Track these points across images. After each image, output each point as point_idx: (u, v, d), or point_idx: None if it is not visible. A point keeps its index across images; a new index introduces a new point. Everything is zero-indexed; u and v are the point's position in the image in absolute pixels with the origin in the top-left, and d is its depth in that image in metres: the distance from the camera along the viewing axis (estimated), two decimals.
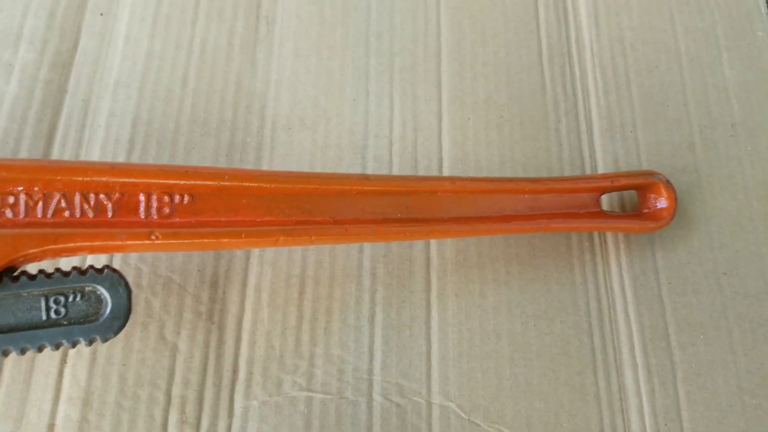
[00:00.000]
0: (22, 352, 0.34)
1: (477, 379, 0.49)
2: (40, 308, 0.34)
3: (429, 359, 0.49)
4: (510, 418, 0.48)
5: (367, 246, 0.51)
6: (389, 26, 0.59)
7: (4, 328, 0.33)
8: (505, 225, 0.48)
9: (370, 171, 0.54)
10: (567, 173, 0.56)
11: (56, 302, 0.34)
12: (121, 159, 0.51)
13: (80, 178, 0.36)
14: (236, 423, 0.45)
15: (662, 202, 0.52)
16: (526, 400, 0.49)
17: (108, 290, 0.36)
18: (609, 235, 0.53)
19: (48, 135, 0.51)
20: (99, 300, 0.36)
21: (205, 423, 0.45)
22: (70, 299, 0.35)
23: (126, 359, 0.46)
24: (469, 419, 0.48)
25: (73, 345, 0.34)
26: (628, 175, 0.52)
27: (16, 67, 0.52)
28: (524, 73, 0.60)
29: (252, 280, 0.49)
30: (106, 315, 0.36)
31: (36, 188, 0.35)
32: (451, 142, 0.56)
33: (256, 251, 0.50)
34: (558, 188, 0.49)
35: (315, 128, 0.54)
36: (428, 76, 0.58)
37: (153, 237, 0.37)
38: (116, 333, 0.35)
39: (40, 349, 0.34)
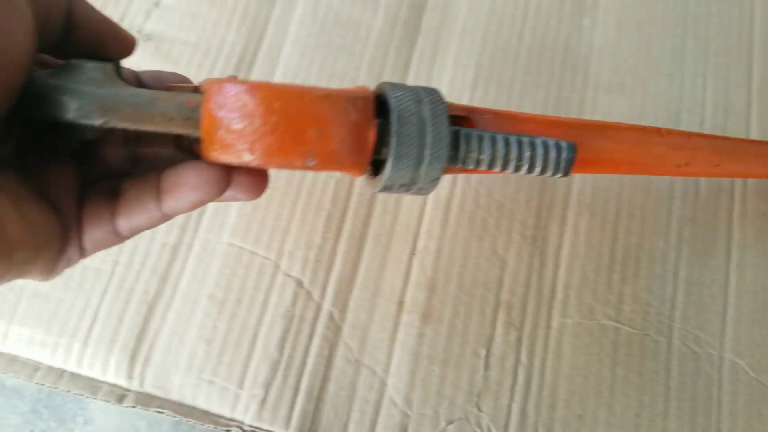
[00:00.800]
0: None
1: (767, 346, 0.52)
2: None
3: (724, 319, 0.53)
4: None
5: (676, 209, 0.55)
6: (706, 12, 0.63)
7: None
8: None
9: None
10: None
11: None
12: (465, 98, 0.58)
13: None
14: (553, 334, 0.51)
15: None
16: None
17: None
18: None
19: (404, 67, 0.59)
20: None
21: (527, 328, 0.51)
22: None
23: (465, 262, 0.52)
24: (757, 378, 0.51)
25: None
26: None
27: (381, 4, 0.60)
28: None
29: (570, 219, 0.55)
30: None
31: None
32: (759, 129, 0.59)
33: (575, 194, 0.55)
34: None
35: (633, 95, 0.59)
36: (740, 63, 0.61)
37: None
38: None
39: None
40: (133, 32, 0.38)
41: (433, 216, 0.53)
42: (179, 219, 0.52)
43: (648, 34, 0.62)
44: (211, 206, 0.52)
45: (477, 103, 0.56)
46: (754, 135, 0.59)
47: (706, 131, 0.58)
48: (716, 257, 0.54)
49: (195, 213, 0.52)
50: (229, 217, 0.52)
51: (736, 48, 0.62)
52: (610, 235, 0.54)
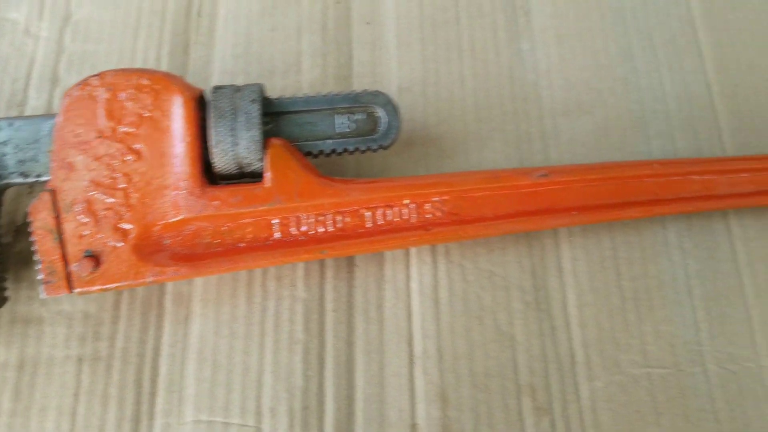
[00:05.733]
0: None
1: None
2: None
3: (750, 325, 0.49)
4: None
5: (670, 220, 0.51)
6: (641, 3, 0.59)
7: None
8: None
9: (654, 147, 0.54)
10: None
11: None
12: (421, 162, 0.52)
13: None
14: (586, 404, 0.46)
15: None
16: None
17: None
18: None
19: None
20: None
21: (557, 407, 0.46)
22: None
23: (471, 353, 0.47)
24: None
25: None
26: None
27: (304, 85, 0.54)
28: None
29: (566, 266, 0.50)
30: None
31: None
32: (726, 111, 0.56)
33: (564, 236, 0.50)
34: None
35: (593, 111, 0.55)
36: (689, 47, 0.58)
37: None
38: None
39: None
40: None
41: (423, 311, 0.48)
42: (128, 409, 0.44)
43: (590, 40, 0.57)
44: (162, 382, 0.45)
45: (433, 165, 0.53)
46: (723, 117, 0.56)
47: (675, 128, 0.55)
48: (723, 261, 0.51)
49: (144, 396, 0.45)
50: (186, 388, 0.46)
51: (680, 31, 0.58)
52: (613, 272, 0.50)
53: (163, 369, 0.45)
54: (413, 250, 0.49)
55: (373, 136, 0.46)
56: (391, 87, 0.54)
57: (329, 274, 0.48)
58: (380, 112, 0.45)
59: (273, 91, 0.52)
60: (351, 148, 0.45)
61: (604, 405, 0.46)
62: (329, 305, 0.47)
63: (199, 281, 0.47)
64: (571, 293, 0.49)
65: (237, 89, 0.43)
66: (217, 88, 0.43)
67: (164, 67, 0.54)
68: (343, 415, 0.44)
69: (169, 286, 0.47)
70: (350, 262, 0.48)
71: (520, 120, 0.54)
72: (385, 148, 0.45)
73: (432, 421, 0.44)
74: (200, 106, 0.42)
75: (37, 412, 0.44)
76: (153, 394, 0.45)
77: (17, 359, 0.46)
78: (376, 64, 0.55)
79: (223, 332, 0.46)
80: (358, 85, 0.54)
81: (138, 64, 0.53)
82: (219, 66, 0.54)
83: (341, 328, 0.47)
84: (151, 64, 0.53)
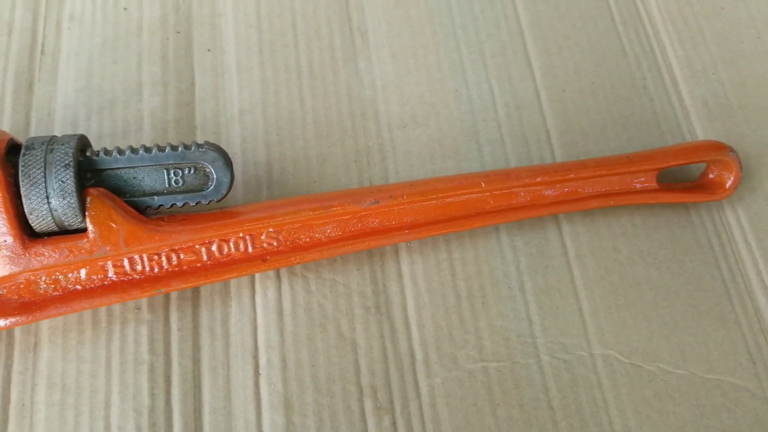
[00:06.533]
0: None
1: (629, 325, 0.53)
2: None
3: (582, 315, 0.53)
4: (666, 355, 0.52)
5: (502, 223, 0.54)
6: (471, 17, 0.63)
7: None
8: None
9: (486, 153, 0.58)
10: (662, 125, 0.60)
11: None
12: (264, 180, 0.54)
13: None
14: (426, 401, 0.49)
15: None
16: (676, 337, 0.52)
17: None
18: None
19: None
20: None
21: (398, 406, 0.48)
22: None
23: (314, 360, 0.49)
24: (630, 362, 0.51)
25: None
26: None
27: (145, 113, 0.56)
28: (603, 39, 0.63)
29: (405, 271, 0.53)
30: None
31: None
32: (553, 115, 0.60)
33: (402, 243, 0.53)
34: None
35: (427, 123, 0.58)
36: (517, 56, 0.62)
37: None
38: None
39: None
40: None
41: (267, 323, 0.49)
42: None
43: (423, 56, 0.60)
44: (13, 409, 0.46)
45: (276, 184, 0.55)
46: (550, 121, 0.59)
47: (505, 134, 0.59)
48: (554, 256, 0.54)
49: None
50: (37, 414, 0.46)
51: (510, 43, 0.62)
52: (448, 273, 0.53)
53: (14, 396, 0.46)
54: None
55: (204, 192, 0.45)
56: (233, 110, 0.56)
57: (174, 294, 0.49)
58: (210, 168, 0.45)
59: (114, 122, 0.54)
60: (180, 204, 0.45)
61: (442, 401, 0.48)
62: (174, 324, 0.48)
63: None
64: (409, 296, 0.51)
65: (51, 148, 0.41)
66: (28, 148, 0.41)
67: (8, 104, 0.54)
68: (190, 430, 0.46)
69: None
70: None
71: (359, 135, 0.56)
72: (217, 201, 0.46)
73: (276, 428, 0.46)
74: (10, 159, 0.41)
75: None
76: (5, 421, 0.45)
77: None
78: (218, 89, 0.57)
79: (70, 357, 0.47)
80: (200, 110, 0.56)
81: None
82: (62, 101, 0.55)
83: (186, 346, 0.48)
84: None
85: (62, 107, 0.54)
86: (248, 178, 0.54)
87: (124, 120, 0.54)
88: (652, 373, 0.50)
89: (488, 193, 0.51)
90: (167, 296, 0.49)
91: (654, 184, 0.54)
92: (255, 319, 0.50)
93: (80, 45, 0.58)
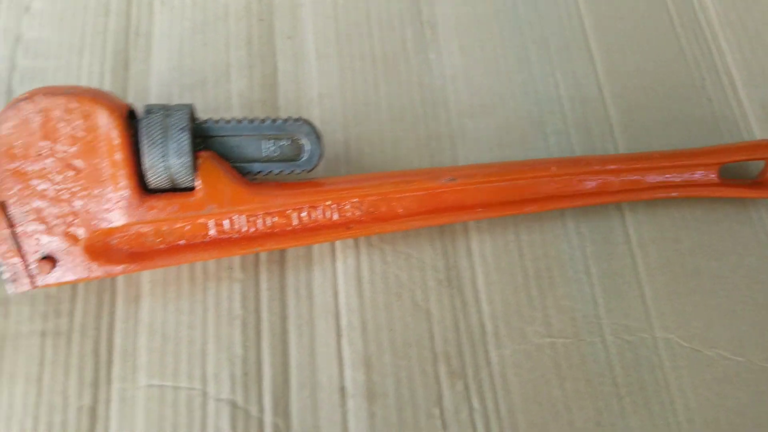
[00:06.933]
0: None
1: (689, 312, 0.55)
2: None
3: (644, 300, 0.55)
4: (725, 342, 0.54)
5: (568, 209, 0.57)
6: (536, 15, 0.66)
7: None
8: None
9: (552, 143, 0.60)
10: (721, 125, 0.63)
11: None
12: (342, 158, 0.57)
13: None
14: (496, 370, 0.51)
15: None
16: (734, 326, 0.54)
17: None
18: None
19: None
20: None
21: (470, 372, 0.51)
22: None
23: (391, 325, 0.52)
24: (690, 347, 0.53)
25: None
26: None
27: (233, 93, 0.59)
28: (662, 40, 0.66)
29: (475, 249, 0.55)
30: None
31: None
32: (616, 110, 0.62)
33: (472, 224, 0.56)
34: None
35: (495, 113, 0.61)
36: (581, 53, 0.65)
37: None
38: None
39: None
40: None
41: (348, 288, 0.52)
42: (88, 376, 0.48)
43: (491, 50, 0.64)
44: (117, 352, 0.49)
45: (353, 162, 0.57)
46: (613, 115, 0.62)
47: (570, 126, 0.61)
48: (617, 243, 0.56)
49: (102, 364, 0.48)
50: (139, 358, 0.49)
51: (573, 40, 0.65)
52: (516, 254, 0.55)
53: (118, 341, 0.49)
54: None
55: (297, 162, 0.48)
56: (312, 93, 0.59)
57: (263, 257, 0.52)
58: (304, 140, 0.48)
59: (205, 100, 0.57)
60: (276, 171, 0.49)
61: (512, 371, 0.51)
62: (263, 284, 0.52)
63: None
64: (479, 272, 0.54)
65: (167, 113, 0.44)
66: (148, 112, 0.44)
67: (107, 81, 0.58)
68: (279, 381, 0.49)
69: None
70: None
71: (430, 121, 0.59)
72: (308, 171, 0.49)
73: (358, 384, 0.49)
74: (130, 122, 0.45)
75: (7, 379, 0.47)
76: (109, 363, 0.48)
77: None
78: (299, 74, 0.60)
79: (170, 308, 0.50)
80: (283, 92, 0.59)
81: (83, 80, 0.57)
82: (156, 79, 0.59)
83: (275, 305, 0.51)
84: (95, 79, 0.57)
85: (157, 85, 0.58)
86: (328, 155, 0.57)
87: (214, 99, 0.58)
88: (711, 358, 0.52)
89: (558, 178, 0.53)
90: (257, 259, 0.52)
91: (716, 178, 0.56)
92: (336, 284, 0.52)
93: (171, 28, 0.62)
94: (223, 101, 0.57)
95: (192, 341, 0.50)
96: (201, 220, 0.47)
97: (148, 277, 0.51)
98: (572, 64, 0.63)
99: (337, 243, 0.53)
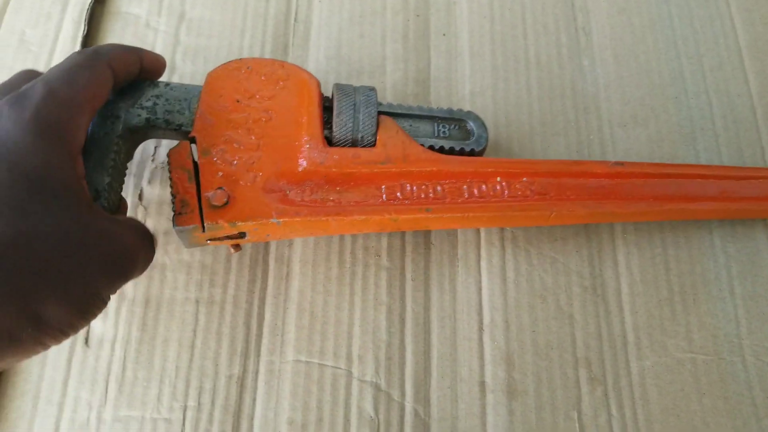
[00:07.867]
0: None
1: None
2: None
3: None
4: None
5: (715, 228, 0.57)
6: (691, 30, 0.65)
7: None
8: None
9: (702, 161, 0.60)
10: None
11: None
12: (493, 155, 0.58)
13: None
14: (636, 380, 0.51)
15: None
16: None
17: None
18: None
19: None
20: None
21: (610, 380, 0.51)
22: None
23: (534, 326, 0.52)
24: None
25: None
26: None
27: (387, 85, 0.61)
28: None
29: (621, 259, 0.55)
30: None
31: None
32: None
33: (619, 233, 0.56)
34: None
35: (647, 125, 0.60)
36: (735, 73, 0.64)
37: None
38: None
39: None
40: None
41: (492, 287, 0.53)
42: (239, 347, 0.51)
43: (645, 62, 0.63)
44: (267, 326, 0.52)
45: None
46: (765, 138, 0.61)
47: (721, 145, 0.60)
48: (764, 266, 0.56)
49: (252, 336, 0.51)
50: (287, 333, 0.52)
51: (728, 59, 0.64)
52: (663, 267, 0.55)
53: (268, 315, 0.51)
54: (483, 235, 0.55)
55: (467, 142, 0.52)
56: (464, 91, 0.61)
57: (409, 249, 0.54)
58: (471, 125, 0.53)
59: None
60: (447, 147, 0.51)
61: (651, 381, 0.51)
62: (409, 275, 0.53)
63: (297, 246, 0.53)
64: (624, 283, 0.54)
65: (355, 88, 0.50)
66: (340, 85, 0.51)
67: None
68: (420, 368, 0.50)
69: (272, 248, 0.54)
70: (427, 240, 0.54)
71: (581, 128, 0.60)
72: (476, 152, 0.52)
73: (498, 380, 0.50)
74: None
75: (161, 342, 0.50)
76: (259, 335, 0.51)
77: (143, 297, 0.52)
78: (451, 71, 0.62)
79: (318, 289, 0.52)
80: (435, 88, 0.61)
81: None
82: (313, 66, 0.61)
83: (419, 296, 0.52)
84: None
85: (314, 71, 0.60)
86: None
87: None
88: None
89: (717, 181, 0.54)
90: (403, 249, 0.54)
91: None
92: (480, 281, 0.53)
93: (330, 17, 0.64)
94: (379, 92, 0.59)
95: (339, 322, 0.52)
96: (376, 180, 0.49)
97: (298, 257, 0.53)
98: (726, 84, 0.62)
99: (483, 241, 0.54)
